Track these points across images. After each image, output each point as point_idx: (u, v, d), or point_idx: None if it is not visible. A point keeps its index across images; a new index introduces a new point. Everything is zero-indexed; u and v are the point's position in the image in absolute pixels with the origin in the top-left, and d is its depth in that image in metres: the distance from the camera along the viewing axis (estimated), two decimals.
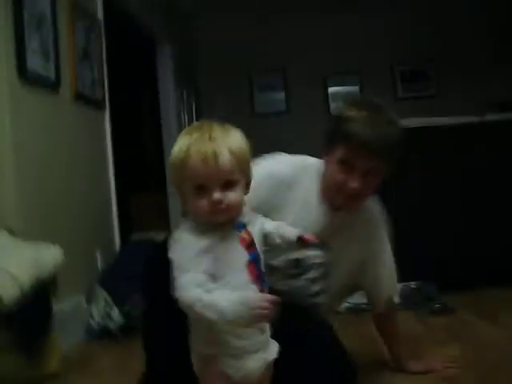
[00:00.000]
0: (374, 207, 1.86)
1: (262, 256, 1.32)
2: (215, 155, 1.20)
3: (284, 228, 1.38)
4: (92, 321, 3.04)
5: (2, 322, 1.98)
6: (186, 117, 5.77)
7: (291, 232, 1.37)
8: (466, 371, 1.95)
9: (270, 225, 1.38)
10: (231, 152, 1.23)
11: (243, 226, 1.30)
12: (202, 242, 1.23)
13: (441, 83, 6.54)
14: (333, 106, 6.68)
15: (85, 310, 3.08)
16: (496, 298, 3.16)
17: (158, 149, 5.39)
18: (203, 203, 1.23)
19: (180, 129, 5.27)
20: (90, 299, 3.12)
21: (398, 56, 6.55)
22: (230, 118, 5.03)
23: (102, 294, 3.10)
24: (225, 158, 1.21)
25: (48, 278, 2.22)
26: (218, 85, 6.62)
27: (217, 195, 1.21)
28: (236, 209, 1.27)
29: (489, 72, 6.18)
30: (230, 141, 1.25)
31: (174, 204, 5.08)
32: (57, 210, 2.91)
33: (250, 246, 1.28)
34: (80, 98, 3.25)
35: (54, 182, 2.91)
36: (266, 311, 1.18)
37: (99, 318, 3.02)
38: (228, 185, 1.23)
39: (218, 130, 1.26)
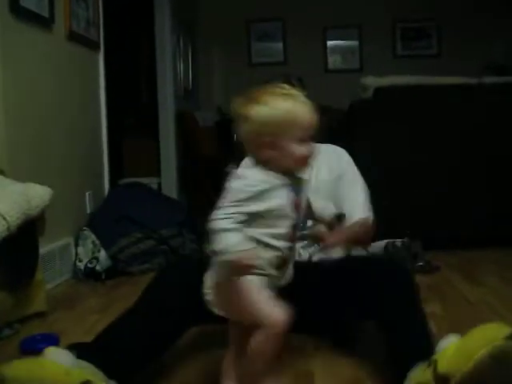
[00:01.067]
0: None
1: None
2: (315, 112, 1.36)
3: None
4: (79, 262, 3.06)
5: None
6: (182, 63, 5.69)
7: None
8: (440, 326, 1.98)
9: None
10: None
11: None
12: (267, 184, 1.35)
13: (442, 43, 6.46)
14: (331, 59, 6.62)
15: (73, 251, 3.11)
16: (481, 259, 3.22)
17: (152, 94, 5.33)
18: (303, 150, 1.35)
19: (175, 75, 5.22)
20: (78, 241, 3.14)
21: (399, 13, 6.43)
22: (227, 67, 4.99)
23: (90, 237, 3.12)
24: (317, 115, 1.38)
25: (36, 217, 2.23)
26: (216, 33, 6.51)
27: (313, 145, 1.37)
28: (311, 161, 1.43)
29: (490, 34, 6.10)
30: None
31: (165, 150, 5.07)
32: (47, 150, 2.89)
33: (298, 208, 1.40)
34: (74, 37, 3.19)
35: (44, 122, 2.89)
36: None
37: (86, 260, 3.05)
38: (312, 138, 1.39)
39: (301, 94, 1.40)
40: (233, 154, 1.53)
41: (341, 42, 6.63)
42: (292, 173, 1.39)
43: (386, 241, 3.20)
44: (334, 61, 6.66)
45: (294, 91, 1.40)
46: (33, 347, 1.95)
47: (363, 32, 6.53)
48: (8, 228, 1.97)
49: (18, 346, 1.99)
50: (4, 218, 1.95)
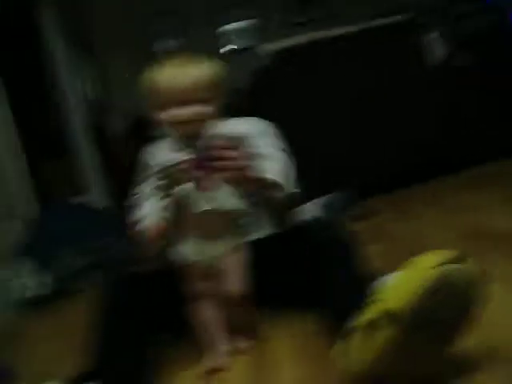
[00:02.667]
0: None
1: None
2: (197, 77, 1.46)
3: None
4: (24, 292, 2.99)
5: None
6: (86, 77, 5.59)
7: None
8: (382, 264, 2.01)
9: None
10: (207, 75, 1.49)
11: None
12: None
13: (334, 3, 6.54)
14: (230, 42, 6.63)
15: (13, 282, 3.02)
16: (415, 195, 3.30)
17: (59, 115, 5.21)
18: (181, 112, 1.45)
19: (79, 91, 5.12)
20: (17, 271, 3.05)
21: None
22: (130, 70, 4.80)
23: (29, 264, 3.05)
24: (204, 77, 1.48)
25: None
26: (114, 38, 6.39)
27: (195, 107, 1.45)
28: (206, 120, 1.49)
29: None
30: (204, 65, 1.51)
31: (89, 168, 4.99)
32: None
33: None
34: None
35: None
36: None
37: (29, 288, 2.97)
38: (202, 100, 1.47)
39: (191, 60, 1.51)
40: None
41: (238, 23, 6.63)
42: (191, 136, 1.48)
43: (321, 198, 3.24)
44: (233, 43, 6.67)
45: (187, 56, 1.52)
46: None
47: (258, 9, 6.55)
48: None
49: None
50: None
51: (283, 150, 1.81)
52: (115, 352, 1.49)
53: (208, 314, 1.53)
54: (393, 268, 1.47)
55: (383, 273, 1.41)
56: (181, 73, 1.45)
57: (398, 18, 3.57)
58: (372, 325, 1.15)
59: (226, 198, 1.47)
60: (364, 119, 3.51)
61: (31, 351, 2.25)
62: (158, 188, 1.45)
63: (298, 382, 1.36)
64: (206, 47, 6.13)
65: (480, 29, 3.53)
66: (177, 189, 1.42)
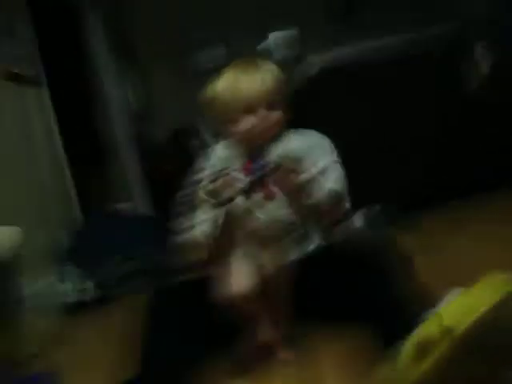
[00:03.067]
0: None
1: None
2: (263, 79, 1.39)
3: None
4: (67, 297, 3.03)
5: None
6: (130, 85, 5.67)
7: None
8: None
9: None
10: (274, 77, 1.42)
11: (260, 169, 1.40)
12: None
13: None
14: (273, 52, 6.64)
15: (58, 288, 3.06)
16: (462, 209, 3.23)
17: (104, 121, 5.29)
18: (250, 122, 1.40)
19: (123, 98, 5.19)
20: (61, 277, 3.10)
21: None
22: (173, 80, 4.88)
23: (74, 270, 3.09)
24: (270, 81, 1.40)
25: (7, 260, 2.19)
26: (157, 48, 6.49)
27: (264, 112, 1.39)
28: (276, 128, 1.44)
29: None
30: (271, 69, 1.43)
31: (132, 174, 5.04)
32: (16, 197, 2.87)
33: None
34: (11, 77, 3.14)
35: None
36: None
37: (74, 294, 3.02)
38: (271, 106, 1.41)
39: (258, 62, 1.45)
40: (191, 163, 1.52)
41: (279, 33, 6.64)
42: (253, 144, 1.44)
43: (361, 210, 3.21)
44: (277, 53, 6.67)
45: (247, 59, 1.45)
46: None
47: (300, 21, 6.58)
48: None
49: None
50: None
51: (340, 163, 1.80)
52: (155, 362, 1.50)
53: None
54: (438, 283, 1.46)
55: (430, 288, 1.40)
56: (246, 78, 1.39)
57: (445, 27, 3.52)
58: (428, 339, 1.13)
59: (278, 209, 1.44)
60: (397, 137, 3.46)
61: (72, 356, 2.28)
62: (210, 194, 1.43)
63: None
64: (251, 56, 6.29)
65: None
66: (228, 197, 1.39)
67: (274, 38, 6.60)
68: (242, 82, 1.39)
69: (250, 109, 1.38)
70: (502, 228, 2.64)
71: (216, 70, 1.51)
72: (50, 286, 3.00)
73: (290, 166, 1.38)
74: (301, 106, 3.48)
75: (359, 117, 3.45)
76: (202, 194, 1.46)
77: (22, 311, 2.29)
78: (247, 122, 1.39)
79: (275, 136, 1.44)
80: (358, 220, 3.13)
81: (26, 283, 2.51)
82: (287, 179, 1.39)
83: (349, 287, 1.62)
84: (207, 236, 1.43)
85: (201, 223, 1.45)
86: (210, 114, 1.46)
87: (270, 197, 1.41)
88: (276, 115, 1.41)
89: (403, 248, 1.70)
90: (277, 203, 1.43)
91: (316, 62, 3.54)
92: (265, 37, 6.57)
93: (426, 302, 1.42)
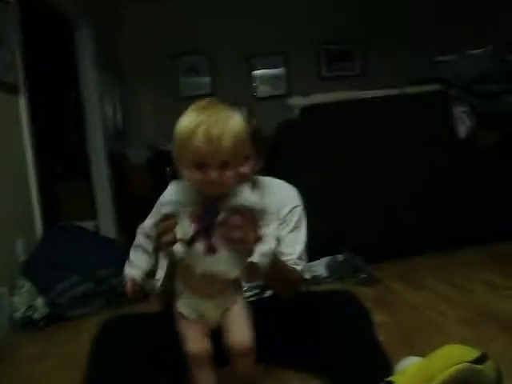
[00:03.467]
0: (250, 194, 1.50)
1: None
2: (219, 138, 1.28)
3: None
4: (16, 312, 2.93)
5: None
6: (110, 102, 5.64)
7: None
8: (391, 334, 1.98)
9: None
10: (233, 136, 1.31)
11: (210, 213, 1.35)
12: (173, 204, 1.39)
13: (365, 63, 6.64)
14: (260, 88, 6.69)
15: (7, 301, 2.97)
16: (420, 266, 3.27)
17: (81, 137, 5.25)
18: (198, 177, 1.32)
19: (104, 115, 5.16)
20: (12, 290, 3.01)
21: (322, 36, 6.58)
22: (155, 104, 4.94)
23: (26, 284, 3.00)
24: (227, 141, 1.29)
25: None
26: (142, 70, 6.51)
27: (214, 174, 1.30)
28: (229, 185, 1.36)
29: (409, 53, 6.28)
30: (232, 125, 1.33)
31: (100, 192, 4.99)
32: None
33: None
34: None
35: None
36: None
37: (23, 309, 2.92)
38: (225, 164, 1.32)
39: (223, 114, 1.33)
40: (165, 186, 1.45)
41: (267, 70, 6.72)
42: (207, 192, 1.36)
43: (327, 258, 3.21)
44: (262, 89, 6.74)
45: (217, 106, 1.35)
46: None
47: (289, 58, 6.64)
48: None
49: None
50: None
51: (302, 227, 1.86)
52: None
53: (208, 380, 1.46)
54: (396, 342, 1.44)
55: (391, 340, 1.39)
56: (202, 137, 1.29)
57: (429, 87, 3.59)
58: None
59: (216, 263, 1.36)
60: (381, 183, 3.49)
61: (14, 371, 2.21)
62: (152, 236, 1.40)
63: None
64: (235, 88, 6.33)
65: (506, 110, 3.54)
66: (166, 241, 1.36)
67: (261, 74, 6.68)
68: (197, 137, 1.29)
69: (199, 165, 1.30)
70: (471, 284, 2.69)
71: (199, 98, 1.44)
72: (2, 298, 2.91)
73: (237, 221, 1.35)
74: (281, 146, 3.53)
75: (339, 158, 3.48)
76: (139, 237, 1.42)
77: None
78: (195, 176, 1.32)
79: (231, 189, 1.37)
80: (321, 268, 3.12)
81: None
82: (233, 234, 1.35)
83: (307, 334, 1.62)
84: (138, 278, 1.38)
85: (132, 263, 1.40)
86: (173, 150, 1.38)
87: (211, 250, 1.34)
88: (228, 175, 1.32)
89: (363, 302, 1.69)
90: (216, 258, 1.35)
91: (297, 103, 3.57)
92: (251, 70, 6.66)
93: (381, 361, 1.42)
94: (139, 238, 1.42)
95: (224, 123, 1.30)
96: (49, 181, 4.72)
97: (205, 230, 1.33)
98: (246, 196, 1.40)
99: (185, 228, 1.33)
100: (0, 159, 3.18)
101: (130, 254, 1.42)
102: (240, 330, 1.41)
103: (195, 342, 1.42)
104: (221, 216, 1.34)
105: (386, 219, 3.49)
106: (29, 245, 3.34)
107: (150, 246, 1.41)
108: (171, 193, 1.39)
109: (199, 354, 1.41)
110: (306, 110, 3.48)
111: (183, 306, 1.42)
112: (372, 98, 3.55)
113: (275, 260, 1.45)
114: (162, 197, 1.41)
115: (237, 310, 1.42)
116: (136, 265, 1.40)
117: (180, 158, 1.34)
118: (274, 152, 3.57)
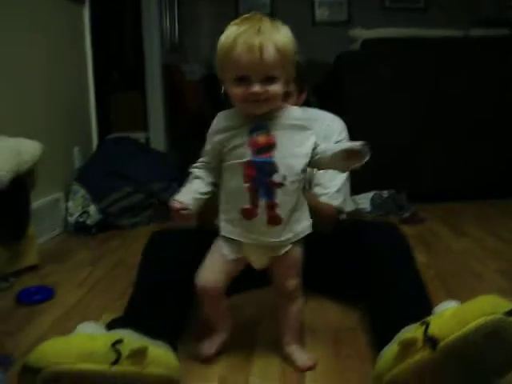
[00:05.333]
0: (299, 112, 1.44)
1: (284, 169, 1.31)
2: (261, 48, 1.22)
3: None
4: (69, 217, 3.09)
5: None
6: (168, 15, 5.61)
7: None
8: (428, 276, 2.04)
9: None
10: (277, 48, 1.24)
11: (261, 128, 1.31)
12: (222, 130, 1.34)
13: None
14: (318, 12, 6.54)
15: (63, 206, 3.13)
16: (464, 212, 3.28)
17: (137, 48, 5.27)
18: (240, 91, 1.26)
19: (161, 27, 5.15)
20: (68, 196, 3.16)
21: None
22: (214, 20, 4.90)
23: (80, 191, 3.14)
24: (270, 51, 1.23)
25: (27, 172, 2.24)
26: None
27: (256, 87, 1.25)
28: (274, 102, 1.30)
29: None
30: (277, 36, 1.26)
31: (153, 104, 5.05)
32: (35, 108, 2.88)
33: (260, 150, 1.30)
34: None
35: (30, 79, 2.86)
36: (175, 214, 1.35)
37: (77, 214, 3.07)
38: (269, 79, 1.26)
39: (267, 24, 1.27)
40: (220, 107, 1.40)
41: None
42: (253, 114, 1.31)
43: (372, 192, 3.26)
44: (321, 13, 6.59)
45: (261, 17, 1.29)
46: (29, 299, 2.00)
47: None
48: (1, 182, 1.99)
49: (14, 297, 2.03)
50: None
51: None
52: (147, 302, 1.55)
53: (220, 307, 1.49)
54: (437, 278, 1.51)
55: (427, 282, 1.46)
56: (247, 44, 1.23)
57: (496, 32, 3.49)
58: (413, 343, 1.19)
59: (288, 231, 1.36)
60: (435, 124, 3.47)
61: (70, 274, 2.36)
62: (211, 167, 1.39)
63: (324, 375, 1.41)
64: (294, 12, 6.21)
65: None
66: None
67: None
68: (238, 46, 1.23)
69: (241, 79, 1.25)
70: None
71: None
72: (55, 203, 3.06)
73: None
74: (342, 77, 3.51)
75: (398, 96, 3.46)
76: (195, 171, 1.40)
77: (30, 223, 2.36)
78: (238, 91, 1.27)
79: (279, 109, 1.33)
80: (365, 202, 3.17)
81: (34, 197, 2.56)
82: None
83: (350, 268, 1.71)
84: (187, 201, 1.35)
85: (185, 192, 1.37)
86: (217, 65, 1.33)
87: (275, 221, 1.32)
88: (273, 89, 1.26)
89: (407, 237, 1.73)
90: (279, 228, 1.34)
91: (359, 35, 3.52)
92: None
93: (423, 298, 1.51)
94: (195, 172, 1.41)
95: (269, 33, 1.24)
96: (104, 90, 4.80)
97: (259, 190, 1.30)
98: (297, 114, 1.36)
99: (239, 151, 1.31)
100: (63, 68, 3.27)
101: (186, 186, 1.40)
102: (289, 277, 1.43)
103: (209, 273, 1.42)
104: (277, 176, 1.29)
105: (437, 160, 3.49)
106: (85, 153, 3.47)
107: (208, 178, 1.39)
108: (218, 121, 1.36)
109: (207, 288, 1.43)
110: (367, 43, 3.44)
111: (225, 243, 1.40)
112: (435, 37, 3.47)
113: (308, 197, 1.46)
114: (210, 128, 1.37)
115: (289, 259, 1.41)
116: (187, 191, 1.38)
117: (223, 72, 1.30)
118: (332, 82, 3.57)
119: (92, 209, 3.08)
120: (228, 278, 1.43)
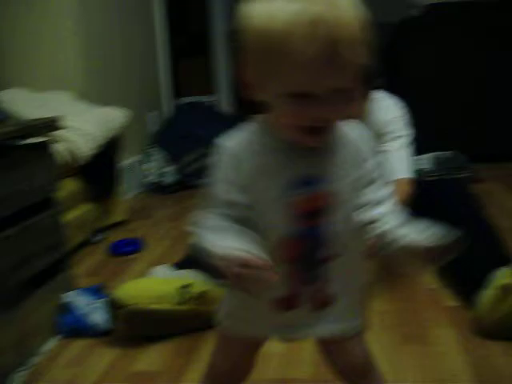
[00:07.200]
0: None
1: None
2: (339, 40, 0.69)
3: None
4: (149, 177, 3.35)
5: (80, 175, 2.27)
6: None
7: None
8: None
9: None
10: (358, 36, 0.72)
11: (310, 184, 0.81)
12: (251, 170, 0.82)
13: None
14: None
15: (141, 167, 3.39)
16: None
17: (203, 12, 5.42)
18: (294, 113, 0.74)
19: None
20: (146, 158, 3.41)
21: None
22: None
23: (158, 153, 3.38)
24: (351, 45, 0.70)
25: (115, 137, 2.49)
26: None
27: (326, 107, 0.73)
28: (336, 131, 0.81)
29: None
30: (357, 17, 0.72)
31: (219, 70, 5.22)
32: (113, 76, 3.12)
33: (305, 217, 0.82)
34: None
35: (108, 49, 3.10)
36: (246, 274, 0.72)
37: (155, 175, 3.32)
38: (340, 92, 0.73)
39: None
40: None
41: None
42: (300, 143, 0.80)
43: (434, 153, 3.36)
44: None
45: None
46: (121, 250, 2.27)
47: None
48: (96, 148, 2.24)
49: (107, 249, 2.30)
50: (92, 139, 2.22)
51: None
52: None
53: None
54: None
55: None
56: (334, 27, 0.69)
57: None
58: (507, 288, 1.38)
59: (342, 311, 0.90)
60: (498, 87, 3.52)
61: (155, 228, 2.64)
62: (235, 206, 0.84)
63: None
64: None
65: None
66: None
67: None
68: (300, 39, 0.69)
69: (300, 93, 0.72)
70: None
71: None
72: (135, 165, 3.31)
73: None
74: (406, 44, 3.55)
75: (462, 58, 3.52)
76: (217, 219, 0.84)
77: (118, 183, 2.62)
78: (290, 111, 0.75)
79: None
80: (428, 163, 3.27)
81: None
82: None
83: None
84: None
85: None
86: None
87: (323, 305, 0.87)
88: (352, 111, 0.77)
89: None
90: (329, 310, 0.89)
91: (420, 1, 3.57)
92: None
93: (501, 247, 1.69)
94: (216, 221, 0.84)
95: (346, 11, 0.70)
96: (172, 57, 5.01)
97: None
98: (358, 136, 0.86)
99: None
100: (134, 35, 3.47)
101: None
102: (358, 349, 0.95)
103: (229, 359, 0.97)
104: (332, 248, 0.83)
105: (497, 122, 3.55)
106: (159, 118, 3.71)
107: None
108: (241, 140, 0.85)
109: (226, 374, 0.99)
110: (430, 8, 3.49)
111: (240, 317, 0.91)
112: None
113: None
114: (224, 142, 0.86)
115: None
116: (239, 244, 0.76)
117: (261, 78, 0.76)
118: (396, 50, 3.64)
119: (169, 170, 3.33)
120: (252, 358, 0.99)
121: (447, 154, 3.35)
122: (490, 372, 1.32)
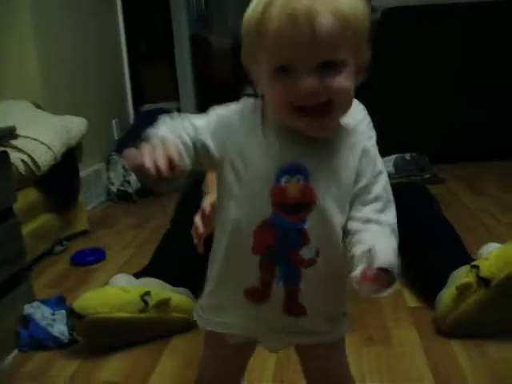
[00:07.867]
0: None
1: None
2: (311, 16, 0.71)
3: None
4: (111, 185, 3.32)
5: (38, 186, 2.24)
6: None
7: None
8: None
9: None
10: (337, 13, 0.73)
11: (297, 173, 0.79)
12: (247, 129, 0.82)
13: None
14: None
15: (105, 175, 3.36)
16: (484, 172, 3.39)
17: (165, 17, 5.40)
18: (279, 89, 0.76)
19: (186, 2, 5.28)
20: (108, 166, 3.38)
21: None
22: None
23: (120, 161, 3.35)
24: (327, 22, 0.72)
25: (75, 146, 2.46)
26: None
27: (308, 81, 0.74)
28: (342, 111, 0.79)
29: None
30: None
31: (183, 75, 5.20)
32: (74, 83, 3.08)
33: (288, 207, 0.79)
34: None
35: (71, 55, 3.06)
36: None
37: (118, 183, 3.30)
38: (328, 66, 0.74)
39: None
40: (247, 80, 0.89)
41: None
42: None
43: (395, 155, 3.40)
44: None
45: None
46: (83, 260, 2.24)
47: None
48: (54, 158, 2.21)
49: (69, 260, 2.27)
50: (50, 149, 2.19)
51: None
52: (166, 254, 1.78)
53: None
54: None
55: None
56: (307, 2, 0.71)
57: None
58: (468, 286, 1.43)
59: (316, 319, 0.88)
60: (454, 88, 3.58)
61: (118, 237, 2.60)
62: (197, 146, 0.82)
63: None
64: None
65: None
66: None
67: None
68: (276, 18, 0.73)
69: (282, 68, 0.75)
70: None
71: None
72: (98, 173, 3.28)
73: None
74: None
75: (421, 61, 3.57)
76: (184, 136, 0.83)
77: (79, 192, 2.59)
78: (275, 88, 0.76)
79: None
80: (389, 164, 3.31)
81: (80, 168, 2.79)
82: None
83: None
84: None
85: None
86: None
87: (294, 312, 0.85)
88: (338, 83, 0.74)
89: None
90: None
91: (379, 4, 3.61)
92: None
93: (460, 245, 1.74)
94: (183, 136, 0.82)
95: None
96: (134, 63, 4.98)
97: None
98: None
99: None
100: (97, 41, 3.45)
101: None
102: (338, 367, 0.96)
103: (213, 365, 0.97)
104: (306, 249, 0.80)
105: (456, 123, 3.59)
106: (122, 125, 3.68)
107: (190, 152, 0.81)
108: (242, 114, 0.84)
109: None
110: (388, 12, 3.54)
111: (222, 314, 0.88)
112: (458, 3, 3.55)
113: None
114: (227, 109, 0.86)
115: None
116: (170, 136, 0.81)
117: (253, 61, 0.80)
118: None
119: (132, 177, 3.30)
120: (240, 368, 1.00)
121: (409, 155, 3.40)
122: (452, 371, 1.35)
